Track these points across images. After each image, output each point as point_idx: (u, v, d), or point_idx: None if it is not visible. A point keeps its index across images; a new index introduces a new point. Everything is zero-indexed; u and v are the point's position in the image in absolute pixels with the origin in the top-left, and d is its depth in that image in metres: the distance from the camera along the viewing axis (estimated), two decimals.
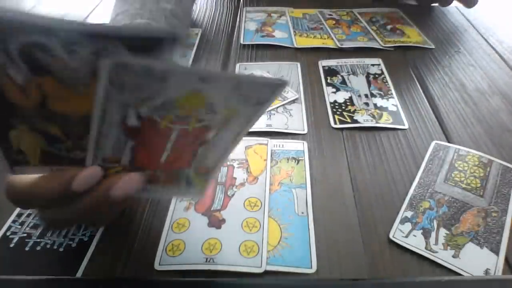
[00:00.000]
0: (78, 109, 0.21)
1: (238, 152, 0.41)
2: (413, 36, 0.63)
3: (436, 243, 0.32)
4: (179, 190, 0.28)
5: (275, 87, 0.20)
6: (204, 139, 0.24)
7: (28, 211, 0.35)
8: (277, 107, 0.48)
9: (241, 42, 0.62)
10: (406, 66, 0.57)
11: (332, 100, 0.49)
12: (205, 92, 0.20)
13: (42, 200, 0.24)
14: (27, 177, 0.25)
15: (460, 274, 0.30)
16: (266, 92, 0.21)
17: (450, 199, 0.36)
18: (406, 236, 0.33)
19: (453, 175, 0.38)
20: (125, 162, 0.24)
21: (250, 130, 0.24)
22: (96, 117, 0.21)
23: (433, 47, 0.61)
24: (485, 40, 0.63)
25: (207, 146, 0.24)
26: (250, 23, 0.67)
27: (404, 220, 0.34)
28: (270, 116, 0.46)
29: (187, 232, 0.33)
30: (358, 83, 0.52)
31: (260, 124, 0.45)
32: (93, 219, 0.25)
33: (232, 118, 0.22)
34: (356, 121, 0.45)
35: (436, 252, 0.31)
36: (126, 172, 0.25)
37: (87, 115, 0.21)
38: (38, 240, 0.32)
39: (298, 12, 0.70)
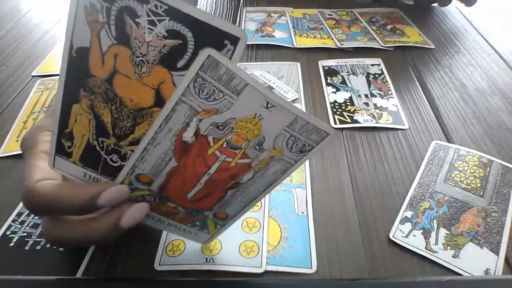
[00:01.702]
0: (135, 97, 0.22)
1: None
2: (413, 36, 0.63)
3: (436, 243, 0.32)
4: (190, 231, 0.28)
5: (323, 135, 0.22)
6: (240, 179, 0.24)
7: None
8: None
9: None
10: (406, 66, 0.57)
11: (332, 100, 0.49)
12: (264, 120, 0.21)
13: (62, 210, 0.24)
14: (49, 185, 0.24)
15: (460, 274, 0.30)
16: (314, 139, 0.22)
17: (450, 199, 0.36)
18: (406, 236, 0.33)
19: (453, 175, 0.38)
20: (155, 188, 0.25)
21: None
22: (164, 114, 0.21)
23: (433, 47, 0.61)
24: (485, 40, 0.63)
25: (238, 190, 0.25)
26: (250, 23, 0.67)
27: (404, 220, 0.34)
28: None
29: None
30: (358, 83, 0.52)
31: None
32: (98, 241, 0.26)
33: (272, 162, 0.24)
34: (356, 121, 0.45)
35: (436, 252, 0.31)
36: (152, 197, 0.25)
37: (139, 109, 0.22)
38: (38, 239, 0.32)
39: (298, 12, 0.70)
